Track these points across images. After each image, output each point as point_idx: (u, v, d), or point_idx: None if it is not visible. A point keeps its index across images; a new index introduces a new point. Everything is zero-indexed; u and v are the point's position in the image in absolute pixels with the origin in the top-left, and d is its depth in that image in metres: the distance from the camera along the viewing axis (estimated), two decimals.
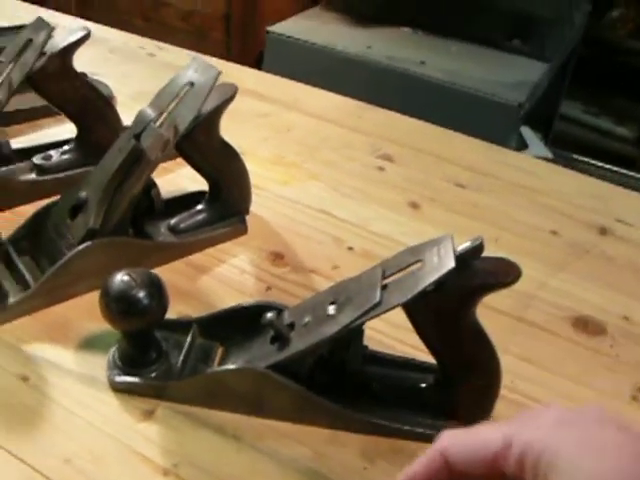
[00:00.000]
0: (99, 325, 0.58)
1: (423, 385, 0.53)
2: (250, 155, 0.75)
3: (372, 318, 0.47)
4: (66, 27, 0.75)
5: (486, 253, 0.69)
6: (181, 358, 0.54)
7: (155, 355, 0.54)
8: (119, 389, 0.53)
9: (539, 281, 0.70)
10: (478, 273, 0.47)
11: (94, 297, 0.60)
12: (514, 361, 0.60)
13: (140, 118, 0.62)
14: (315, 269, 0.67)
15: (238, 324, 0.55)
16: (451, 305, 0.48)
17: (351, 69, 1.64)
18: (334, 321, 0.48)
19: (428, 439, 0.39)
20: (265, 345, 0.52)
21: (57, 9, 2.08)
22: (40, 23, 0.71)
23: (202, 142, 0.64)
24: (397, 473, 0.34)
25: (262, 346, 0.52)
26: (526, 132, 1.89)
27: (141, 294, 0.51)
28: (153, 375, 0.53)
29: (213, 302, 0.61)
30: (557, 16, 1.75)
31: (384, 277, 0.49)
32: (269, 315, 0.50)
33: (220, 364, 0.54)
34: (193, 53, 1.15)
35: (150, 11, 2.10)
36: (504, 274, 0.48)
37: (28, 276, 0.61)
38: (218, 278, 0.65)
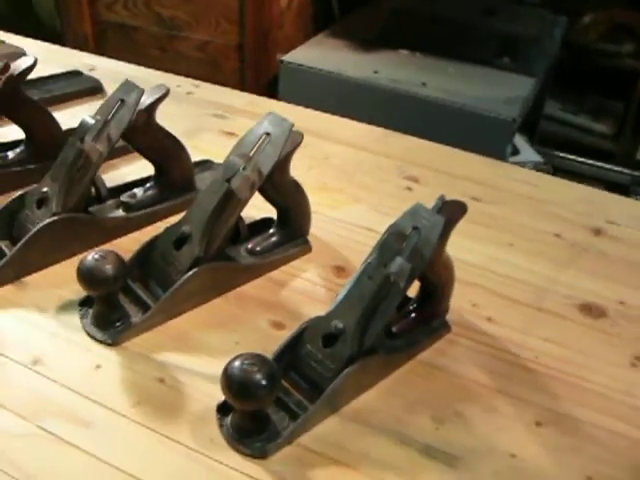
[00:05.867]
0: (211, 333, 0.73)
1: None
2: (300, 183, 0.90)
3: None
4: (147, 85, 0.89)
5: (504, 257, 0.87)
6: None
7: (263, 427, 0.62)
8: None
9: (551, 277, 0.85)
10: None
11: (202, 311, 0.76)
12: (537, 341, 0.75)
13: (229, 165, 0.77)
14: None
15: None
16: None
17: (360, 93, 1.80)
18: None
19: None
20: None
21: (75, 46, 2.22)
22: (130, 85, 0.85)
23: (278, 181, 0.79)
24: None
25: None
26: (517, 139, 2.06)
27: (260, 380, 0.57)
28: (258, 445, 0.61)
29: (297, 310, 0.76)
30: (540, 33, 1.92)
31: None
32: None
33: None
34: (228, 90, 1.30)
35: (166, 42, 2.23)
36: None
37: (146, 298, 0.76)
38: (296, 290, 0.80)
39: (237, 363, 0.58)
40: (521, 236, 0.92)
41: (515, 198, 1.00)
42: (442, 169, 1.05)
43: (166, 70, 1.36)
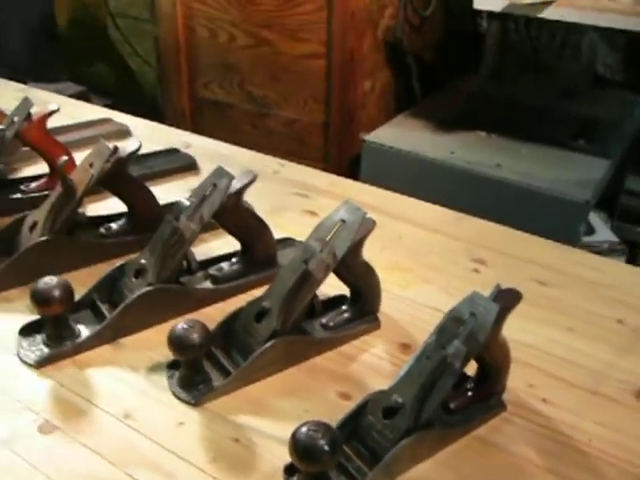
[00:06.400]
0: (283, 400, 0.80)
1: None
2: (372, 262, 0.96)
3: None
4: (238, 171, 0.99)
5: (562, 340, 0.91)
6: None
7: None
8: None
9: (609, 362, 0.89)
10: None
11: (277, 379, 0.84)
12: (590, 425, 0.79)
13: (307, 247, 0.85)
14: None
15: None
16: None
17: (437, 173, 1.88)
18: None
19: None
20: None
21: (174, 119, 2.40)
22: (222, 172, 0.95)
23: (351, 264, 0.87)
24: None
25: None
26: (593, 218, 2.08)
27: (323, 445, 0.64)
28: None
29: (363, 383, 0.82)
30: (619, 116, 1.96)
31: None
32: None
33: None
34: (311, 170, 1.40)
35: (257, 119, 2.39)
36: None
37: (227, 365, 0.84)
38: (363, 364, 0.87)
39: (304, 429, 0.65)
40: (582, 320, 0.96)
41: (579, 282, 1.04)
42: (509, 252, 1.10)
43: (256, 144, 1.48)
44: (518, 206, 1.69)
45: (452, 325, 0.72)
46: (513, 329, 0.91)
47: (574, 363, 0.88)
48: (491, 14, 1.80)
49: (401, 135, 2.03)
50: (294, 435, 0.65)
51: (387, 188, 1.31)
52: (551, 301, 1.00)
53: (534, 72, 2.12)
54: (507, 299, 0.73)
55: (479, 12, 1.82)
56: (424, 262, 1.07)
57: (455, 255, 1.09)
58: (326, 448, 0.64)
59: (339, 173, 1.42)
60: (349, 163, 2.19)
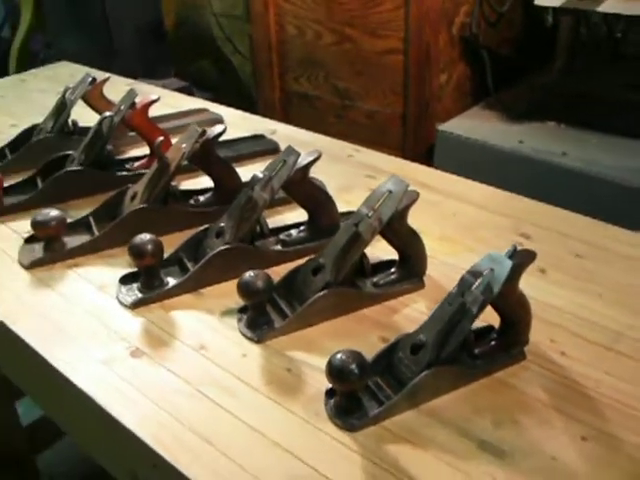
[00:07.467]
0: (331, 341, 0.94)
1: None
2: (425, 233, 1.07)
3: None
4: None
5: (589, 305, 1.00)
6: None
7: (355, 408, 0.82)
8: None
9: (629, 324, 0.97)
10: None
11: (327, 325, 0.97)
12: (601, 374, 0.88)
13: (358, 213, 0.99)
14: None
15: None
16: None
17: (505, 161, 1.97)
18: None
19: None
20: None
21: (265, 110, 2.58)
22: (291, 150, 1.10)
23: (396, 228, 1.00)
24: None
25: None
26: None
27: (354, 368, 0.78)
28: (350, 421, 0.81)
29: (403, 330, 0.94)
30: None
31: None
32: None
33: None
34: (383, 155, 1.52)
35: (341, 110, 2.55)
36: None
37: (287, 310, 0.99)
38: (405, 316, 0.99)
39: (338, 355, 0.79)
40: (611, 288, 1.04)
41: (614, 256, 1.12)
42: (554, 228, 1.19)
43: (340, 134, 1.61)
44: (583, 193, 1.75)
45: (472, 278, 0.84)
46: (545, 293, 1.03)
47: (597, 324, 0.97)
48: (555, 9, 1.87)
49: (473, 125, 2.12)
50: (330, 359, 0.79)
51: (458, 175, 1.41)
52: (585, 272, 1.09)
53: (607, 64, 2.16)
54: (522, 257, 0.84)
55: (545, 8, 1.89)
56: (472, 235, 1.18)
57: (502, 230, 1.20)
58: (355, 370, 0.78)
59: (415, 161, 1.52)
60: (425, 152, 2.30)
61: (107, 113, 1.35)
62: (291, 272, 1.03)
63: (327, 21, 2.45)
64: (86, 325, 1.00)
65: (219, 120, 1.65)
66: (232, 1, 3.09)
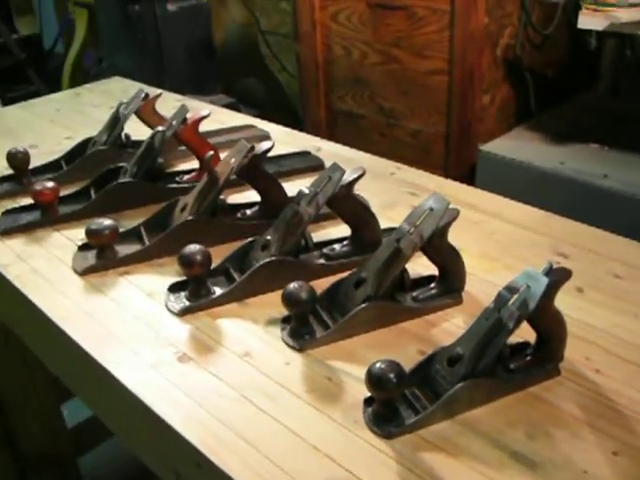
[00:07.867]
0: (371, 352, 0.97)
1: None
2: (465, 251, 1.10)
3: None
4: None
5: (626, 325, 1.02)
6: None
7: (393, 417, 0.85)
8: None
9: None
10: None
11: (368, 336, 1.01)
12: (635, 393, 0.89)
13: (400, 229, 1.02)
14: None
15: None
16: None
17: (546, 182, 1.98)
18: None
19: None
20: None
21: (311, 128, 2.63)
22: (336, 167, 1.14)
23: (437, 245, 1.03)
24: None
25: None
26: None
27: (392, 377, 0.81)
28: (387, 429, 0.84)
29: (441, 344, 0.97)
30: None
31: None
32: None
33: None
34: (424, 173, 1.55)
35: (385, 129, 2.60)
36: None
37: (328, 321, 1.03)
38: (443, 330, 1.02)
39: (377, 364, 0.82)
40: None
41: None
42: (592, 248, 1.21)
43: (384, 153, 1.64)
44: (623, 216, 1.75)
45: (508, 293, 0.87)
46: (582, 312, 1.05)
47: (632, 343, 0.99)
48: (599, 32, 1.89)
49: (515, 146, 2.15)
50: (370, 368, 0.83)
51: (500, 194, 1.43)
52: (623, 292, 1.10)
53: None
54: (558, 274, 0.87)
55: (588, 31, 1.91)
56: (511, 254, 1.20)
57: (540, 249, 1.22)
58: (393, 379, 0.81)
59: (457, 181, 1.55)
60: (467, 172, 2.33)
61: (159, 128, 1.41)
62: (334, 285, 1.06)
63: (373, 42, 2.50)
64: (136, 330, 1.05)
65: (267, 136, 1.70)
66: (279, 19, 3.16)
